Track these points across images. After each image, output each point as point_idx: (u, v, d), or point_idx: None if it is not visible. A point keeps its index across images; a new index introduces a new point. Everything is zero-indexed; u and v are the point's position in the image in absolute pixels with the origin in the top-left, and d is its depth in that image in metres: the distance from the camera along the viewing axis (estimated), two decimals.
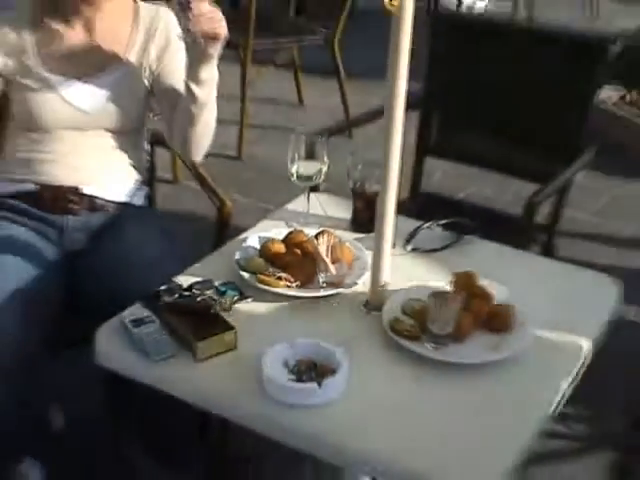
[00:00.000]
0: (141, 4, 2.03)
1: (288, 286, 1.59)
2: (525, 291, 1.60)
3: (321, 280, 1.61)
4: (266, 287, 1.59)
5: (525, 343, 1.47)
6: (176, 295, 1.51)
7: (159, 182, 3.41)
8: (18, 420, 1.76)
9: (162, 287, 1.54)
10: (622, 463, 2.02)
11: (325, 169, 1.79)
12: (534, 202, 2.05)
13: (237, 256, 1.67)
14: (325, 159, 1.79)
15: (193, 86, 1.86)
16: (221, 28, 1.74)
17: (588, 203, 3.54)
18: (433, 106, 2.51)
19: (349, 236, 1.76)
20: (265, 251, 1.67)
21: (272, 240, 1.70)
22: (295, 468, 1.98)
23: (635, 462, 1.91)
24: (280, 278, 1.60)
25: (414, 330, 1.48)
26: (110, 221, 1.98)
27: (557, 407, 1.43)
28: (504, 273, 1.67)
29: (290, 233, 1.71)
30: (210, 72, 1.85)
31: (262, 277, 1.60)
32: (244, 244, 1.72)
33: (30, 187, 1.95)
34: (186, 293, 1.52)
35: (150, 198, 2.17)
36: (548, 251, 2.28)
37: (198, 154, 2.01)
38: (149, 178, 2.18)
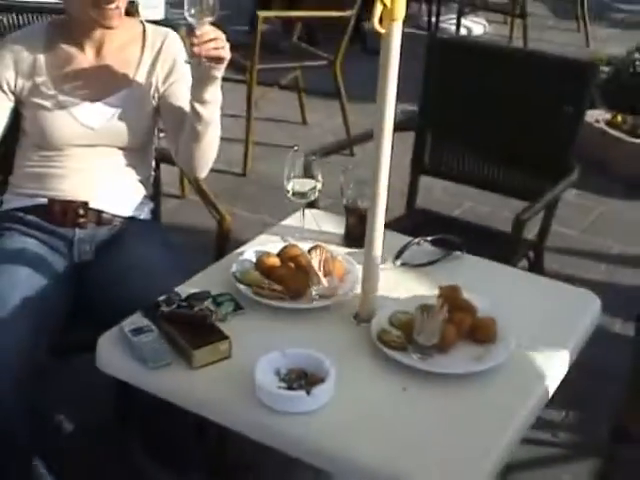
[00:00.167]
0: (149, 27, 2.10)
1: (282, 298, 1.65)
2: (508, 304, 1.66)
3: (313, 293, 1.67)
4: (261, 299, 1.65)
5: (507, 354, 1.53)
6: (174, 305, 1.57)
7: (167, 197, 3.52)
8: (27, 425, 1.81)
9: (161, 297, 1.60)
10: (604, 472, 2.08)
11: (319, 187, 1.86)
12: (522, 219, 2.11)
13: (234, 269, 1.73)
14: (319, 177, 1.85)
15: (198, 106, 1.92)
16: (224, 51, 1.80)
17: (577, 220, 3.63)
18: (427, 126, 2.58)
19: (342, 251, 1.83)
20: (260, 264, 1.73)
21: (267, 254, 1.76)
22: (294, 476, 2.03)
23: (615, 471, 1.96)
24: (274, 290, 1.65)
25: (401, 341, 1.54)
26: (116, 234, 2.04)
27: (536, 416, 1.49)
28: (489, 287, 1.73)
29: (285, 247, 1.78)
30: (214, 93, 1.91)
31: (257, 289, 1.66)
32: (241, 257, 1.78)
33: (41, 201, 2.01)
34: (184, 303, 1.58)
35: (155, 212, 2.24)
36: (536, 267, 2.34)
37: (202, 171, 2.07)
38: (154, 193, 2.25)
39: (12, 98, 2.02)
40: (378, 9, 1.40)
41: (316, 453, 1.38)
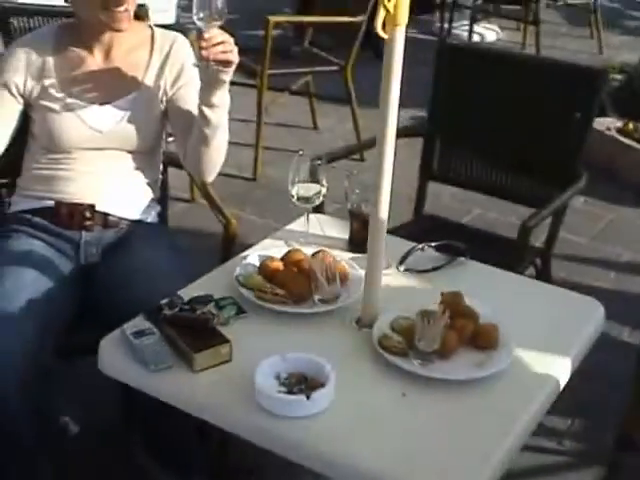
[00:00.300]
0: (157, 31, 2.11)
1: (284, 302, 1.66)
2: (511, 311, 1.66)
3: (316, 297, 1.67)
4: (263, 303, 1.65)
5: (508, 361, 1.53)
6: (177, 308, 1.58)
7: (177, 201, 3.53)
8: (32, 426, 1.82)
9: (164, 301, 1.61)
10: None
11: (324, 191, 1.86)
12: (528, 226, 2.11)
13: (237, 273, 1.74)
14: (324, 182, 1.86)
15: (206, 110, 1.93)
16: (232, 55, 1.81)
17: (587, 228, 3.62)
18: (436, 132, 2.58)
19: (345, 256, 1.83)
20: (264, 268, 1.74)
21: (271, 258, 1.76)
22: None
23: (620, 479, 1.96)
24: (277, 294, 1.66)
25: (402, 346, 1.54)
26: (123, 237, 2.05)
27: (537, 423, 1.49)
28: (491, 294, 1.73)
29: (288, 252, 1.78)
30: (222, 97, 1.92)
31: (259, 293, 1.67)
32: (244, 261, 1.78)
33: (48, 203, 2.03)
34: (186, 307, 1.59)
35: (162, 216, 2.24)
36: (543, 274, 2.34)
37: (210, 175, 2.08)
38: (162, 197, 2.26)
39: (21, 101, 2.03)
40: (381, 14, 1.40)
41: (315, 458, 1.38)
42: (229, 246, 2.10)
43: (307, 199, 1.85)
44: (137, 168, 2.09)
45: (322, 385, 1.43)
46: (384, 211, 1.58)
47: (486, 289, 1.76)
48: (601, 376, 2.50)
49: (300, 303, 1.67)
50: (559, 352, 1.59)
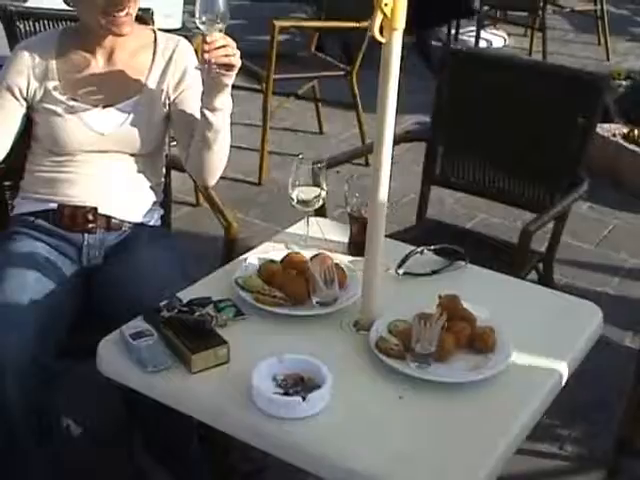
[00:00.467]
0: (160, 35, 2.12)
1: (282, 305, 1.66)
2: (508, 315, 1.66)
3: (314, 300, 1.67)
4: (262, 305, 1.66)
5: (505, 364, 1.53)
6: (175, 310, 1.59)
7: (182, 204, 3.54)
8: (33, 426, 1.83)
9: (163, 302, 1.62)
10: None
11: (324, 195, 1.87)
12: (529, 230, 2.11)
13: (236, 275, 1.74)
14: (324, 185, 1.86)
15: (208, 113, 1.94)
16: (234, 58, 1.82)
17: (591, 233, 3.62)
18: (438, 137, 2.58)
19: (345, 259, 1.83)
20: (263, 271, 1.74)
21: (270, 261, 1.77)
22: None
23: None
24: (275, 297, 1.66)
25: (398, 349, 1.54)
26: (125, 240, 2.07)
27: (533, 426, 1.49)
28: (490, 297, 1.73)
29: (288, 255, 1.78)
30: (224, 100, 1.93)
31: (258, 296, 1.67)
32: (244, 264, 1.79)
33: (51, 206, 2.04)
34: (185, 309, 1.59)
35: (164, 219, 2.25)
36: (545, 279, 2.33)
37: (212, 178, 2.09)
38: (164, 200, 2.26)
39: (24, 104, 2.05)
40: (378, 18, 1.41)
41: (311, 459, 1.38)
42: (230, 249, 2.11)
43: (307, 202, 1.86)
44: (140, 171, 2.10)
45: (318, 387, 1.43)
46: (381, 214, 1.58)
47: (484, 293, 1.76)
48: (602, 381, 2.50)
49: (298, 305, 1.68)
50: (556, 355, 1.59)
